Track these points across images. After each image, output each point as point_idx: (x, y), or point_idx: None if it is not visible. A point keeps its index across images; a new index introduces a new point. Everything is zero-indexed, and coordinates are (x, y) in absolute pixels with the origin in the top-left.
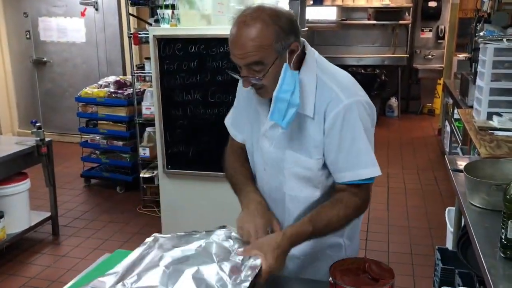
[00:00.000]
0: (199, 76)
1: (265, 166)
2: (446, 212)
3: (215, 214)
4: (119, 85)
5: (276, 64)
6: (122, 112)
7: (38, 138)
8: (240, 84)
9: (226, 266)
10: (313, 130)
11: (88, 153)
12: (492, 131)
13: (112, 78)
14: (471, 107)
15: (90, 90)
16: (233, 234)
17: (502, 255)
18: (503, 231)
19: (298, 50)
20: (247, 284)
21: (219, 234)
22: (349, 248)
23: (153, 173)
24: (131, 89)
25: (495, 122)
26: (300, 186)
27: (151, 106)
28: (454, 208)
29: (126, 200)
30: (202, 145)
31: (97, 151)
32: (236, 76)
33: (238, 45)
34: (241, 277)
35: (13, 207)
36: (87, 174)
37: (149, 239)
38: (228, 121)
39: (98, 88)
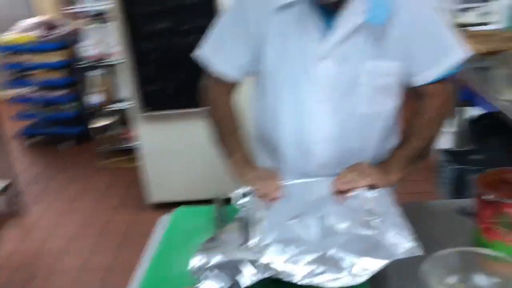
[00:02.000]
0: (166, 2)
1: (322, 97)
2: None
3: (205, 156)
4: (47, 26)
5: None
6: (56, 57)
7: None
8: (235, 12)
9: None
10: (390, 26)
11: (21, 109)
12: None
13: (33, 20)
14: None
15: (11, 37)
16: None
17: None
18: None
19: None
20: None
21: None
22: None
23: (107, 121)
24: (62, 30)
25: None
26: (379, 99)
27: (90, 46)
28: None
29: (79, 155)
30: (181, 80)
31: (32, 106)
32: None
33: None
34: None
35: None
36: (27, 133)
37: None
38: (209, 55)
39: (21, 33)
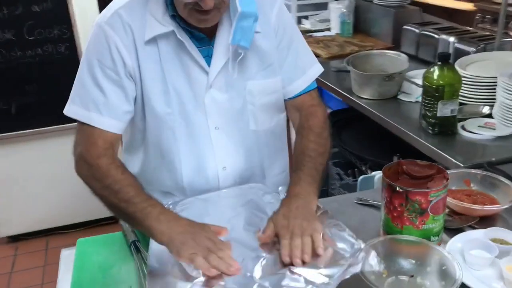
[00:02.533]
0: (7, 9)
1: (216, 125)
2: None
3: (61, 177)
4: None
5: None
6: None
7: None
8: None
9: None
10: (265, 44)
11: None
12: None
13: None
14: None
15: None
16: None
17: (431, 132)
18: (427, 112)
19: None
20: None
21: None
22: None
23: None
24: None
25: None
26: (269, 115)
27: None
28: None
29: None
30: (30, 96)
31: None
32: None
33: None
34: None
35: None
36: None
37: None
38: (83, 111)
39: None
